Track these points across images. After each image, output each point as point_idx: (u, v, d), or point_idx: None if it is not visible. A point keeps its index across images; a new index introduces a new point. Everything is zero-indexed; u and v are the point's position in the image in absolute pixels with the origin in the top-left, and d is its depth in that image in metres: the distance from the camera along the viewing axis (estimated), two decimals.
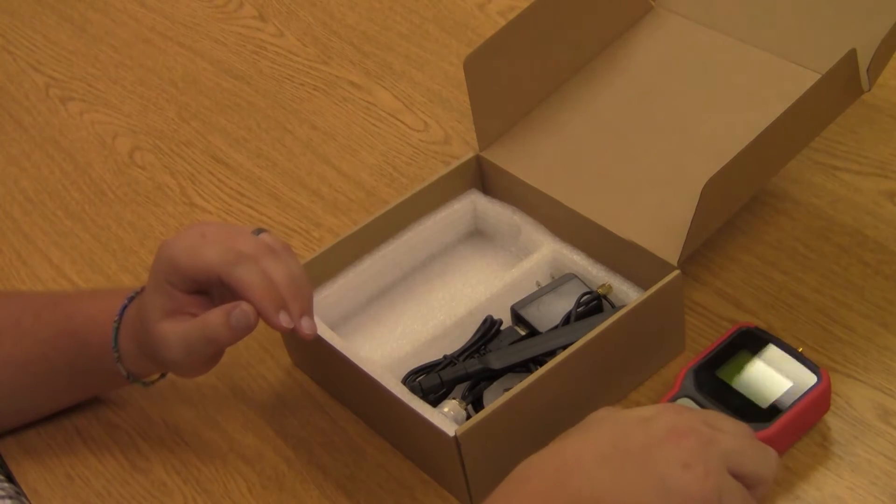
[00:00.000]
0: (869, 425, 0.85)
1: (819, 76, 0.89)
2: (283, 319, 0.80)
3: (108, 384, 0.94)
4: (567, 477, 0.67)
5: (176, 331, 0.82)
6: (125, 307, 0.88)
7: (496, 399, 0.82)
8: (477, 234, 1.04)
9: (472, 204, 1.02)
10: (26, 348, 0.90)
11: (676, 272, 0.88)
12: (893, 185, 1.02)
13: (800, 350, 0.85)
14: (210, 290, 0.83)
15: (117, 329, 0.87)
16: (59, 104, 1.33)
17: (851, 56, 0.89)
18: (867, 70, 0.91)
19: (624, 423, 0.69)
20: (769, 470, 0.70)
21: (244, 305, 0.80)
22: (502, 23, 1.15)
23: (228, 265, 0.80)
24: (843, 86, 0.91)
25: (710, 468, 0.66)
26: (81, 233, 1.15)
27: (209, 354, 0.84)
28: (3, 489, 0.91)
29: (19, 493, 0.92)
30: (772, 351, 0.85)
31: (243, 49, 1.35)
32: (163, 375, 0.91)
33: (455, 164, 1.01)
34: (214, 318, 0.80)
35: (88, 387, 0.95)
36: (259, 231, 0.85)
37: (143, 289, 0.87)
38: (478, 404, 0.87)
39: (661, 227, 0.91)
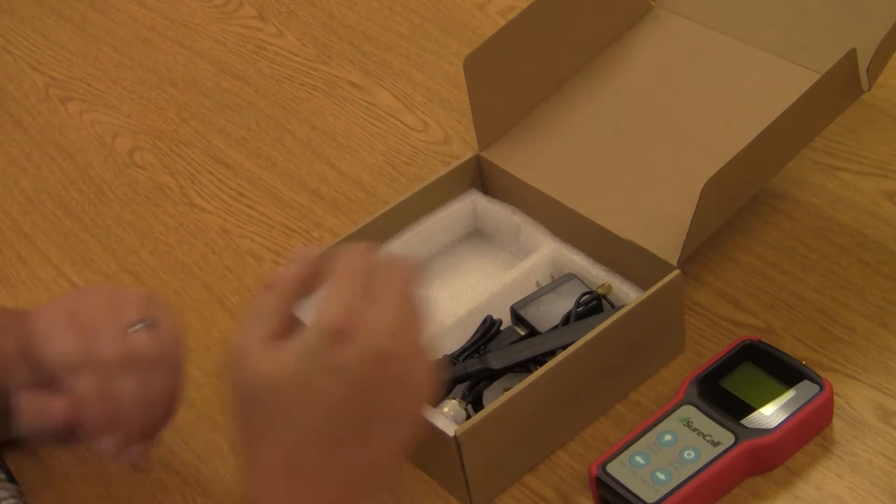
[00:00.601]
0: (869, 425, 0.85)
1: (819, 76, 0.89)
2: (104, 443, 0.74)
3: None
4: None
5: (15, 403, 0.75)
6: None
7: (496, 399, 0.82)
8: (477, 234, 1.04)
9: (472, 204, 1.02)
10: None
11: (676, 272, 0.88)
12: (893, 185, 1.02)
13: (803, 362, 0.85)
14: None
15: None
16: (58, 104, 1.33)
17: (851, 56, 0.89)
18: (867, 70, 0.91)
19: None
20: None
21: (52, 404, 0.73)
22: (502, 23, 1.15)
23: (67, 370, 0.73)
24: (842, 86, 0.91)
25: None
26: (81, 233, 1.15)
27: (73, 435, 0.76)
28: (6, 489, 0.91)
29: (21, 493, 0.92)
30: (775, 362, 0.85)
31: (243, 49, 1.35)
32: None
33: (455, 164, 1.01)
34: (26, 404, 0.74)
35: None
36: (146, 323, 0.76)
37: None
38: (477, 404, 0.87)
39: (661, 227, 0.91)
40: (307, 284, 0.67)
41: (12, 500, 0.90)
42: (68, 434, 0.75)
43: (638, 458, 0.82)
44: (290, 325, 0.65)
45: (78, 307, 0.76)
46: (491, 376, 0.88)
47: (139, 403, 0.74)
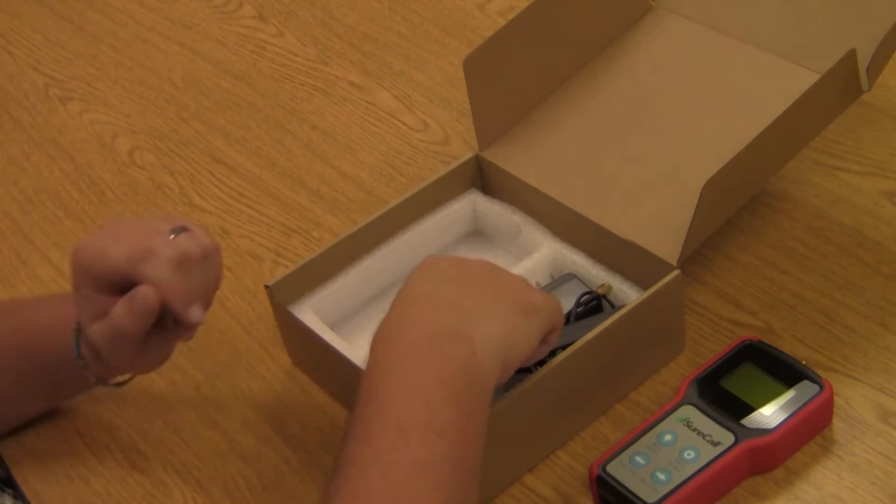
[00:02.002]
0: (869, 425, 0.85)
1: (819, 76, 0.89)
2: (193, 314, 0.80)
3: (81, 385, 0.92)
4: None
5: (96, 330, 0.81)
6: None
7: (496, 399, 0.82)
8: (477, 234, 1.04)
9: (472, 204, 1.02)
10: None
11: (676, 272, 0.88)
12: (893, 185, 1.02)
13: (803, 362, 0.85)
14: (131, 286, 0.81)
15: (77, 340, 0.84)
16: (58, 104, 1.33)
17: (851, 56, 0.89)
18: (867, 70, 0.91)
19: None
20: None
21: (142, 289, 0.78)
22: (502, 23, 1.14)
23: (135, 264, 0.79)
24: (842, 86, 0.91)
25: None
26: (81, 233, 1.15)
27: (131, 347, 0.81)
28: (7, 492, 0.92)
29: (16, 497, 0.92)
30: (775, 362, 0.85)
31: (243, 49, 1.35)
32: (133, 376, 0.89)
33: (455, 163, 1.01)
34: (118, 309, 0.79)
35: (60, 390, 0.93)
36: (180, 230, 0.82)
37: None
38: None
39: (661, 227, 0.91)
40: None
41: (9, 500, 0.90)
42: (156, 325, 0.81)
43: (638, 458, 0.82)
44: None
45: (117, 230, 0.82)
46: None
47: (201, 284, 0.82)
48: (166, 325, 0.83)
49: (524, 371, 0.88)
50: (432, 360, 0.71)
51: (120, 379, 0.89)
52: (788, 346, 0.90)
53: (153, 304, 0.79)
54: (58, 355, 0.86)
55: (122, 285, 0.80)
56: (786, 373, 0.84)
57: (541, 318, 0.76)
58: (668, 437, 0.82)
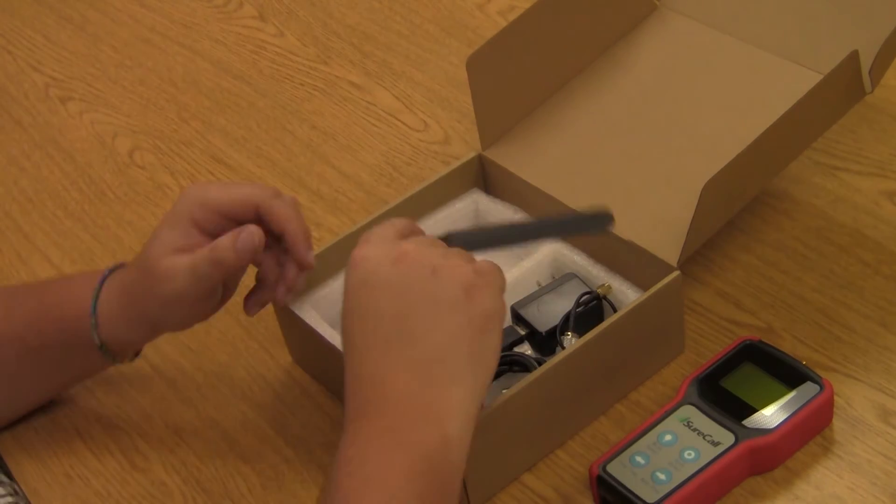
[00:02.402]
0: (869, 425, 0.85)
1: (821, 77, 0.89)
2: (311, 256, 0.85)
3: (84, 364, 0.92)
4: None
5: (183, 261, 0.83)
6: (105, 277, 0.88)
7: (495, 399, 0.82)
8: None
9: (474, 203, 1.02)
10: None
11: (676, 273, 0.88)
12: (893, 185, 1.02)
13: (803, 362, 0.85)
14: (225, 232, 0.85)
15: (97, 296, 0.87)
16: (58, 104, 1.33)
17: (854, 58, 0.89)
18: (869, 72, 0.91)
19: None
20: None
21: (251, 227, 0.82)
22: (502, 23, 1.15)
23: (268, 197, 0.84)
24: (845, 87, 0.91)
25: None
26: (81, 233, 1.15)
27: (213, 284, 0.85)
28: (2, 485, 0.91)
29: (17, 492, 0.92)
30: (775, 362, 0.85)
31: (243, 49, 1.35)
32: (136, 355, 0.91)
33: (457, 163, 1.01)
34: (222, 241, 0.83)
35: (65, 369, 0.93)
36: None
37: (121, 264, 0.89)
38: None
39: (661, 228, 0.91)
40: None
41: (9, 499, 0.90)
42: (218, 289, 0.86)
43: (638, 458, 0.82)
44: None
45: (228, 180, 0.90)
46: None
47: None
48: (233, 282, 0.88)
49: (524, 371, 0.88)
50: (399, 451, 0.70)
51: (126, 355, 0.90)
52: (788, 346, 0.90)
53: (259, 243, 0.82)
54: (71, 318, 0.88)
55: (221, 228, 0.84)
56: (786, 373, 0.85)
57: (496, 315, 0.74)
58: (668, 437, 0.82)
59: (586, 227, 0.86)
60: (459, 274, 0.74)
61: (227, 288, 0.88)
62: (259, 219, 0.84)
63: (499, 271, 0.76)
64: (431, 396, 0.71)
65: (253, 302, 0.89)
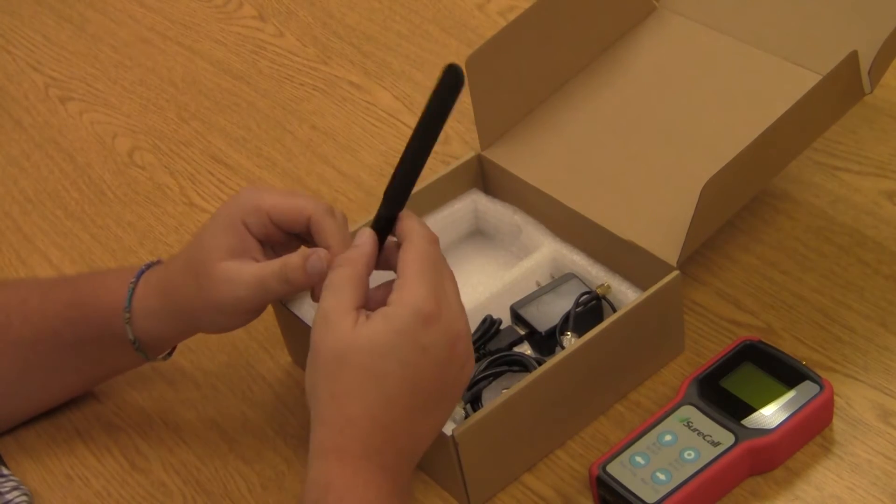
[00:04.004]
0: (869, 425, 0.85)
1: (821, 78, 0.89)
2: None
3: (117, 359, 0.92)
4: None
5: (249, 270, 0.82)
6: (142, 272, 0.87)
7: (494, 398, 0.82)
8: (477, 234, 1.04)
9: (473, 203, 1.02)
10: (34, 325, 0.90)
11: (676, 273, 0.88)
12: (893, 185, 1.02)
13: (803, 362, 0.85)
14: (274, 240, 0.84)
15: (132, 290, 0.86)
16: (58, 104, 1.33)
17: (853, 58, 0.89)
18: (868, 72, 0.91)
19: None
20: None
21: (321, 252, 0.80)
22: (502, 23, 1.15)
23: (322, 212, 0.82)
24: (844, 88, 0.91)
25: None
26: (81, 233, 1.15)
27: (275, 299, 0.87)
28: (9, 480, 0.91)
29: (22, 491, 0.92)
30: (775, 362, 0.85)
31: (243, 49, 1.35)
32: (169, 354, 0.90)
33: (456, 163, 1.01)
34: (293, 260, 0.80)
35: (98, 364, 0.93)
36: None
37: (158, 261, 0.88)
38: (476, 404, 0.87)
39: (661, 228, 0.91)
40: (372, 264, 0.78)
41: (16, 492, 0.90)
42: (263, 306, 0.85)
43: (638, 459, 0.82)
44: (365, 298, 0.75)
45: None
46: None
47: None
48: None
49: (524, 370, 0.88)
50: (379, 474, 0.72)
51: (159, 354, 0.90)
52: (788, 346, 0.90)
53: (325, 270, 0.79)
54: (106, 311, 0.87)
55: (272, 234, 0.83)
56: (786, 373, 0.85)
57: (468, 364, 0.75)
58: (668, 438, 0.82)
59: (448, 99, 0.78)
60: (446, 335, 0.74)
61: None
62: (307, 230, 0.83)
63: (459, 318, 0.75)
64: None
65: None
